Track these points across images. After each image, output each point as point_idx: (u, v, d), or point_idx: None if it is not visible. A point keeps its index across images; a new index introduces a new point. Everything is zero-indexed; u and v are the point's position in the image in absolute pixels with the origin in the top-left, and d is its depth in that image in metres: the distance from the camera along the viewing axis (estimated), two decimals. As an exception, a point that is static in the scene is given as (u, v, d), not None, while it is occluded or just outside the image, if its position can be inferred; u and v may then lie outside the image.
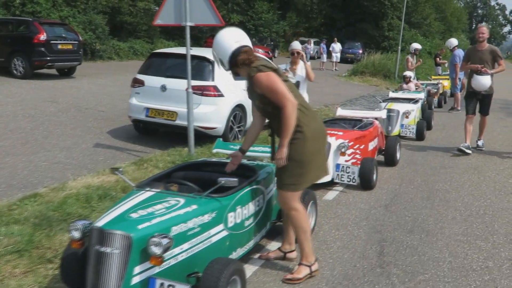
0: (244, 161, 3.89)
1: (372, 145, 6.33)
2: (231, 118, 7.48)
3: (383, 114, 7.24)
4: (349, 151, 5.71)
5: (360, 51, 33.63)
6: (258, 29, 36.67)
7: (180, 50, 7.88)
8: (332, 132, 5.83)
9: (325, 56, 27.66)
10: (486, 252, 3.97)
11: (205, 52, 7.67)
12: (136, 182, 3.65)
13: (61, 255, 3.06)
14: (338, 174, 5.55)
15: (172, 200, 2.96)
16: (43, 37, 13.58)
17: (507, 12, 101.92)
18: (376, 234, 4.32)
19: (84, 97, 11.56)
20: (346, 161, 5.70)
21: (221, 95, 7.29)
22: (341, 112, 7.39)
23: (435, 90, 14.24)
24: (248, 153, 3.70)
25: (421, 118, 10.08)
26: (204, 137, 7.22)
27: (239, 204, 3.28)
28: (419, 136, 8.83)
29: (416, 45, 14.11)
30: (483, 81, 7.43)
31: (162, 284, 2.56)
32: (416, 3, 41.84)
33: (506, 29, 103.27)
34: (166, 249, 2.57)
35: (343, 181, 5.54)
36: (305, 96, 6.39)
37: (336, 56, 27.87)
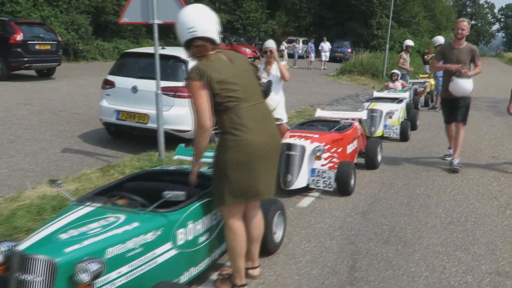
0: (204, 169, 3.58)
1: (351, 148, 6.04)
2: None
3: (363, 115, 6.95)
4: (325, 155, 5.41)
5: (349, 50, 33.43)
6: (246, 28, 36.36)
7: (153, 49, 7.54)
8: (308, 135, 5.53)
9: (313, 55, 27.42)
10: (466, 265, 3.68)
11: (179, 51, 7.34)
12: (77, 196, 3.32)
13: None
14: (313, 180, 5.26)
15: (111, 217, 2.65)
16: (19, 37, 13.15)
17: (495, 10, 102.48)
18: (349, 245, 4.03)
19: (60, 99, 11.17)
20: (323, 165, 5.41)
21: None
22: (320, 113, 7.10)
23: (422, 89, 14.00)
24: (201, 159, 3.37)
25: (405, 118, 9.82)
26: (180, 140, 6.89)
27: (191, 219, 2.97)
28: (403, 136, 8.56)
29: (409, 42, 13.83)
30: (465, 85, 6.22)
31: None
32: (405, 2, 41.76)
33: (495, 27, 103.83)
34: (96, 276, 2.25)
35: (319, 186, 5.24)
36: (280, 97, 6.10)
37: (325, 55, 27.65)
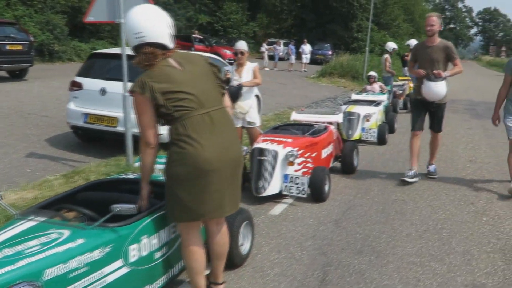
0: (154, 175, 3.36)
1: (326, 152, 5.87)
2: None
3: (339, 118, 6.79)
4: (299, 160, 5.22)
5: (330, 52, 33.43)
6: (227, 30, 36.16)
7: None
8: (281, 139, 5.34)
9: (293, 57, 27.32)
10: (441, 277, 3.52)
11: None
12: (21, 209, 3.06)
13: None
14: (286, 186, 5.06)
15: (54, 233, 2.40)
16: (-12, 37, 12.75)
17: (474, 14, 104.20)
18: (320, 256, 3.84)
19: (30, 101, 10.81)
20: (296, 170, 5.22)
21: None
22: (296, 116, 6.92)
23: (401, 91, 13.96)
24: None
25: (383, 121, 9.72)
26: None
27: (146, 233, 2.74)
28: (381, 140, 8.44)
29: (392, 44, 13.71)
30: (437, 89, 5.59)
31: None
32: (384, 5, 42.06)
33: (473, 31, 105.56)
34: (30, 301, 2.01)
35: (292, 193, 5.05)
36: (253, 99, 5.89)
37: (306, 57, 27.60)
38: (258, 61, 29.74)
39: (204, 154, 2.66)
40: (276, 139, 5.34)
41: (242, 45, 5.80)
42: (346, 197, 5.41)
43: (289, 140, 5.31)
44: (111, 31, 26.58)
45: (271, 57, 29.10)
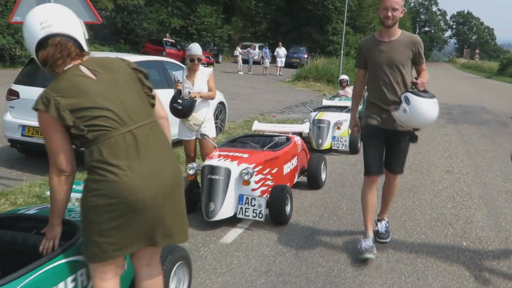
0: (70, 206, 2.71)
1: (289, 167, 5.26)
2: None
3: (305, 128, 6.20)
4: (256, 177, 4.60)
5: (305, 56, 33.06)
6: (201, 33, 35.40)
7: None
8: (236, 154, 4.71)
9: (267, 61, 26.80)
10: (415, 326, 2.94)
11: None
12: None
13: None
14: (241, 208, 4.43)
15: None
16: None
17: (447, 18, 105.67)
18: (274, 299, 3.22)
19: (-23, 110, 9.94)
20: (254, 190, 4.60)
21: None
22: (257, 126, 6.30)
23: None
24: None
25: (356, 128, 9.20)
26: None
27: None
28: (353, 148, 7.88)
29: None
30: (431, 109, 3.54)
31: None
32: (360, 8, 41.92)
33: (447, 33, 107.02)
34: None
35: (248, 216, 4.42)
36: (209, 109, 5.24)
37: (281, 61, 27.10)
38: (233, 65, 29.19)
39: (128, 182, 2.08)
40: (231, 154, 4.71)
41: (197, 50, 5.14)
42: (311, 218, 4.81)
43: (245, 156, 4.68)
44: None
45: (245, 61, 28.57)
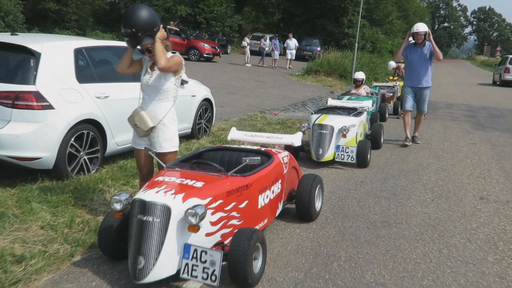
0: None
1: (267, 197, 3.79)
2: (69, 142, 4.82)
3: (296, 140, 4.72)
4: (214, 217, 3.16)
5: (318, 49, 31.36)
6: (210, 22, 33.87)
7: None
8: (184, 182, 3.24)
9: (277, 53, 25.17)
10: None
11: (32, 40, 5.03)
12: None
13: None
14: (187, 264, 2.98)
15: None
16: None
17: (468, 13, 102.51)
18: None
19: None
20: (210, 234, 3.15)
21: (49, 107, 4.66)
22: (234, 134, 4.82)
23: (391, 94, 11.93)
24: None
25: (366, 133, 7.69)
26: (27, 172, 4.72)
27: None
28: (361, 161, 6.38)
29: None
30: None
31: None
32: (377, 0, 39.96)
33: (467, 30, 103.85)
34: None
35: (196, 277, 2.96)
36: (167, 111, 3.79)
37: (291, 53, 25.48)
38: (242, 57, 27.54)
39: None
40: (178, 181, 3.25)
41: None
42: (292, 275, 3.34)
43: (198, 185, 3.21)
44: (79, 21, 24.36)
45: (257, 53, 27.03)
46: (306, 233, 4.11)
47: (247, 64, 24.32)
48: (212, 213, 3.15)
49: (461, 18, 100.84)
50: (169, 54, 3.80)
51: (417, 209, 4.84)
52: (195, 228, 2.95)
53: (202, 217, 2.94)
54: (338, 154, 6.37)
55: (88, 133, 5.08)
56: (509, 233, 4.33)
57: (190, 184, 3.21)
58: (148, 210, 2.97)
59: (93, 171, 5.22)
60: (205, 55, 24.25)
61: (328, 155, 6.31)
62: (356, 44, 21.67)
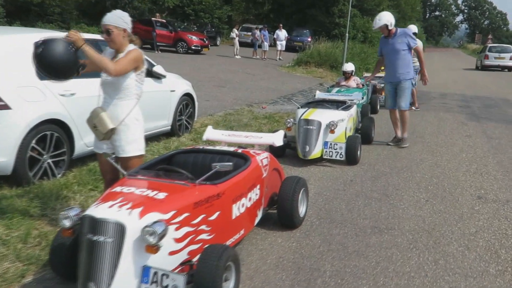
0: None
1: (243, 206, 3.38)
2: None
3: (277, 139, 4.31)
4: (178, 232, 2.75)
5: (309, 39, 30.87)
6: (198, 14, 33.26)
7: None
8: (145, 193, 2.82)
9: (266, 44, 24.69)
10: None
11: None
12: None
13: None
14: (146, 289, 2.59)
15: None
16: None
17: (459, 1, 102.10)
18: None
19: None
20: (174, 253, 2.75)
21: (5, 107, 4.23)
22: (210, 134, 4.40)
23: (382, 85, 11.52)
24: None
25: (356, 127, 7.30)
26: None
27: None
28: (350, 158, 6.00)
29: (414, 28, 10.75)
30: None
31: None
32: (368, -11, 39.43)
33: (459, 18, 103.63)
34: None
35: (156, 305, 2.58)
36: (130, 110, 3.36)
37: (281, 44, 25.04)
38: (231, 48, 27.03)
39: None
40: (138, 192, 2.84)
41: (108, 18, 3.32)
42: (270, 295, 2.96)
43: (160, 196, 2.80)
44: (62, 14, 23.70)
45: (249, 45, 26.54)
46: (288, 242, 3.72)
47: (236, 56, 23.85)
48: (176, 229, 2.74)
49: (452, 6, 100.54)
50: (130, 46, 3.38)
51: (410, 211, 4.46)
52: (153, 248, 2.54)
53: (162, 235, 2.54)
54: (326, 151, 5.98)
55: (52, 134, 4.64)
56: (511, 238, 3.96)
57: (151, 196, 2.80)
58: (99, 228, 2.55)
59: (59, 175, 4.79)
60: (193, 48, 23.72)
61: (316, 153, 5.92)
62: (347, 34, 21.24)
